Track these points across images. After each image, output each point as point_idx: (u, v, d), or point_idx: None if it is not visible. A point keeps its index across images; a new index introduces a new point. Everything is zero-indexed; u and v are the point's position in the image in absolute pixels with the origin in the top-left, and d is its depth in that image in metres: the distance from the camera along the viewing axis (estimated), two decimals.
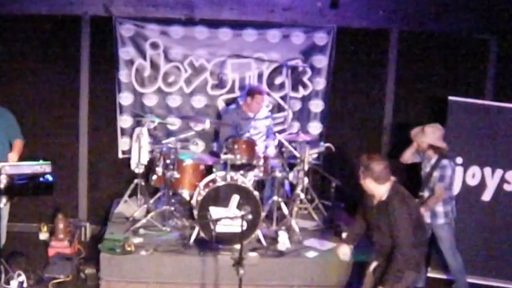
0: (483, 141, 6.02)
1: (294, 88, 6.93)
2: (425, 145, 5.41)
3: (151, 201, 6.27)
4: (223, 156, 5.73)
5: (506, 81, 6.90)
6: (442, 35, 6.95)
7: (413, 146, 5.54)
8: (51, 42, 6.68)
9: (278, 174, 6.01)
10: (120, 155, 6.94)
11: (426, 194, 5.42)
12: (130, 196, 6.47)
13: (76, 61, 6.75)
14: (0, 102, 5.76)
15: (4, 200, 5.03)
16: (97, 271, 5.45)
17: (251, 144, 5.86)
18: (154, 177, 6.04)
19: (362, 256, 4.94)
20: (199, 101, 6.96)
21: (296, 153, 6.25)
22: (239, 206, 5.41)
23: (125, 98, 6.87)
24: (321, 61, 6.94)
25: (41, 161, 5.16)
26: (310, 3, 6.75)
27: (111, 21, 6.65)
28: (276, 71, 6.94)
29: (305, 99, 7.04)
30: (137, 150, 6.28)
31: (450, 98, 6.13)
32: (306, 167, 6.14)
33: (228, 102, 6.91)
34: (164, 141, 6.11)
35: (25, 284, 5.19)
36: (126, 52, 6.76)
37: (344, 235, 5.71)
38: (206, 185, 5.74)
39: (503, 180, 5.98)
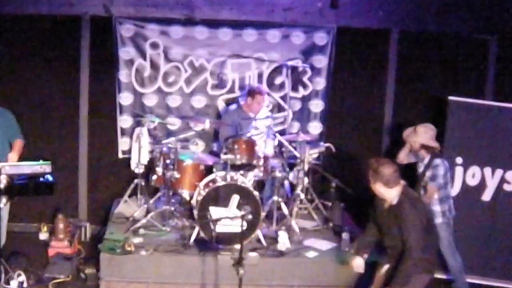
0: (483, 141, 6.01)
1: (294, 88, 6.93)
2: (417, 145, 5.42)
3: (151, 201, 6.27)
4: (223, 156, 5.73)
5: (506, 81, 6.90)
6: (442, 35, 6.95)
7: (407, 147, 5.55)
8: (51, 42, 6.68)
9: (278, 174, 6.01)
10: (120, 155, 6.95)
11: (421, 193, 5.43)
12: (130, 196, 6.47)
13: (76, 61, 6.75)
14: (0, 102, 5.76)
15: (4, 200, 5.04)
16: (97, 271, 5.45)
17: (251, 144, 5.86)
18: (154, 177, 6.04)
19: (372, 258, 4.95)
20: (199, 101, 6.96)
21: (296, 153, 6.26)
22: (239, 206, 5.41)
23: (125, 98, 6.87)
24: (321, 61, 6.94)
25: (41, 161, 5.16)
26: (310, 3, 6.75)
27: (111, 21, 6.65)
28: (276, 71, 6.94)
29: (305, 99, 7.04)
30: (137, 150, 6.28)
31: (450, 98, 6.13)
32: (306, 167, 6.14)
33: (228, 102, 6.92)
34: (164, 141, 6.11)
35: (25, 284, 5.19)
36: (126, 52, 6.76)
37: (344, 235, 5.73)
38: (206, 185, 5.74)
39: (503, 180, 5.98)
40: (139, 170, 6.28)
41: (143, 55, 6.80)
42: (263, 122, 6.52)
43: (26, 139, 5.73)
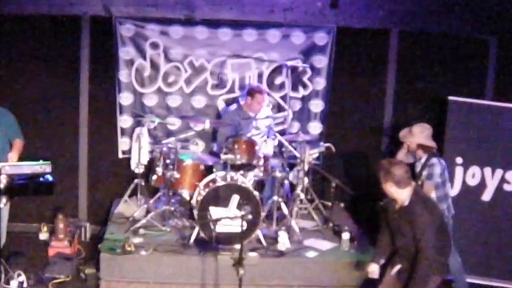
0: (483, 141, 6.01)
1: (294, 88, 6.92)
2: (414, 145, 5.42)
3: (151, 201, 6.27)
4: (223, 156, 5.73)
5: (506, 81, 6.90)
6: (442, 35, 6.95)
7: (404, 147, 5.55)
8: (51, 42, 6.68)
9: (278, 174, 6.01)
10: (120, 155, 6.94)
11: None
12: (130, 196, 6.46)
13: (76, 61, 6.75)
14: (0, 102, 5.76)
15: (4, 200, 5.03)
16: (97, 271, 5.45)
17: (251, 144, 5.86)
18: (154, 177, 6.04)
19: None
20: (199, 101, 6.96)
21: (296, 153, 6.25)
22: (239, 206, 5.41)
23: (125, 98, 6.87)
24: (321, 61, 6.94)
25: (41, 161, 5.16)
26: (310, 3, 6.75)
27: (111, 21, 6.64)
28: (276, 71, 6.94)
29: (305, 99, 7.04)
30: (137, 150, 6.28)
31: (450, 98, 6.14)
32: (306, 167, 6.14)
33: (228, 102, 6.91)
34: (164, 141, 6.11)
35: (25, 284, 5.20)
36: (126, 52, 6.76)
37: (344, 235, 5.73)
38: (206, 185, 5.74)
39: (503, 180, 5.98)
40: (139, 170, 6.28)
41: (143, 55, 6.80)
42: (263, 122, 6.52)
43: (26, 139, 5.72)
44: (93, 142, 6.92)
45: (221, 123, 6.47)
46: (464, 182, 6.04)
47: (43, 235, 6.48)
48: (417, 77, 7.07)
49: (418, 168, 5.46)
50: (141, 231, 5.81)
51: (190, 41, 6.81)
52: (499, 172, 5.99)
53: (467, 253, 5.76)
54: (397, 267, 4.62)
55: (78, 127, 6.85)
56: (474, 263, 5.91)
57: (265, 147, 6.35)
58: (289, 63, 6.72)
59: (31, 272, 5.41)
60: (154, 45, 6.79)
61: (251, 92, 6.42)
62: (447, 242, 4.57)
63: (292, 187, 6.43)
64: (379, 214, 5.29)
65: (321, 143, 6.64)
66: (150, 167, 6.26)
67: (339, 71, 6.98)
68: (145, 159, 6.29)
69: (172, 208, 5.99)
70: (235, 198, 5.48)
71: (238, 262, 4.41)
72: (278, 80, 6.98)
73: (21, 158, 5.45)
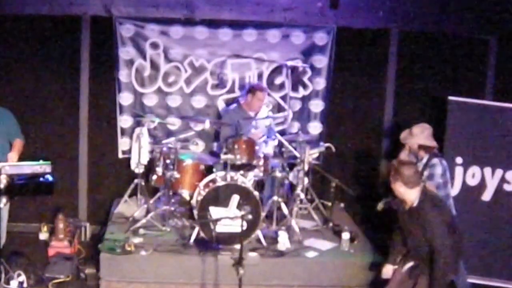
0: (483, 141, 6.01)
1: (294, 88, 6.92)
2: (415, 146, 5.42)
3: (151, 201, 6.27)
4: (223, 156, 5.73)
5: (506, 81, 6.90)
6: (442, 35, 6.95)
7: (406, 149, 5.54)
8: (51, 42, 6.68)
9: (278, 174, 6.01)
10: (120, 155, 6.94)
11: None
12: (130, 196, 6.46)
13: (76, 61, 6.75)
14: (0, 102, 5.76)
15: (4, 200, 5.03)
16: (97, 271, 5.45)
17: (251, 144, 5.86)
18: (154, 177, 6.04)
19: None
20: (199, 101, 6.96)
21: (296, 153, 6.25)
22: (239, 206, 5.41)
23: (125, 98, 6.87)
24: (321, 61, 6.94)
25: (41, 161, 5.15)
26: (310, 3, 6.75)
27: (111, 21, 6.64)
28: (276, 71, 6.94)
29: (305, 99, 7.04)
30: (137, 150, 6.28)
31: (450, 98, 6.13)
32: (306, 167, 6.13)
33: (228, 102, 6.91)
34: (164, 141, 6.11)
35: (25, 284, 5.19)
36: (126, 52, 6.76)
37: (344, 235, 5.73)
38: (206, 185, 5.74)
39: (503, 180, 5.98)
40: (139, 170, 6.27)
41: (143, 55, 6.80)
42: (263, 122, 6.52)
43: (26, 139, 5.72)
44: (93, 142, 6.92)
45: (221, 123, 6.47)
46: (464, 182, 6.04)
47: (43, 235, 6.48)
48: (417, 77, 7.07)
49: (419, 168, 5.45)
50: (141, 231, 5.81)
51: (190, 41, 6.81)
52: (499, 172, 5.99)
53: (467, 253, 5.74)
54: (409, 264, 4.64)
55: (78, 127, 6.85)
56: (474, 263, 5.90)
57: (267, 148, 6.36)
58: (289, 63, 6.71)
59: (31, 272, 5.39)
60: (154, 45, 6.79)
61: (252, 89, 6.42)
62: (457, 239, 4.58)
63: (292, 187, 6.43)
64: (378, 215, 5.31)
65: (321, 143, 6.64)
66: (150, 167, 6.26)
67: (339, 71, 6.98)
68: (145, 159, 6.28)
69: (172, 208, 5.99)
70: (235, 198, 5.48)
71: (238, 262, 4.41)
72: (278, 80, 6.98)
73: (21, 158, 5.45)
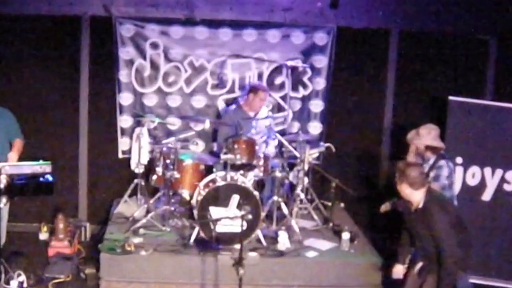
0: (483, 141, 6.01)
1: (294, 88, 6.92)
2: (422, 147, 5.40)
3: (151, 201, 6.27)
4: (223, 156, 5.73)
5: (506, 81, 6.90)
6: (442, 35, 6.95)
7: (412, 150, 5.52)
8: (51, 42, 6.68)
9: (278, 174, 6.01)
10: (120, 155, 6.94)
11: None
12: (130, 196, 6.46)
13: (76, 61, 6.75)
14: (0, 102, 5.76)
15: (4, 200, 5.03)
16: (97, 271, 5.45)
17: (251, 144, 5.86)
18: (154, 177, 6.04)
19: None
20: (199, 101, 6.96)
21: (296, 153, 6.25)
22: (239, 206, 5.41)
23: (125, 98, 6.87)
24: (321, 61, 6.94)
25: (41, 161, 5.16)
26: (310, 3, 6.75)
27: (111, 21, 6.64)
28: (276, 71, 6.94)
29: (305, 99, 7.04)
30: (137, 150, 6.28)
31: (450, 98, 6.13)
32: (306, 167, 6.13)
33: (228, 102, 6.91)
34: (164, 141, 6.11)
35: (25, 284, 5.19)
36: (126, 52, 6.76)
37: (344, 235, 5.73)
38: (206, 185, 5.74)
39: (503, 180, 5.98)
40: (139, 170, 6.27)
41: (143, 55, 6.80)
42: (263, 122, 6.52)
43: (26, 139, 5.72)
44: (93, 142, 6.92)
45: (221, 123, 6.47)
46: (464, 182, 6.03)
47: (43, 235, 6.48)
48: (417, 77, 7.07)
49: (425, 169, 5.44)
50: (141, 231, 5.81)
51: (190, 41, 6.81)
52: (499, 172, 5.98)
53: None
54: (419, 265, 4.66)
55: (78, 127, 6.86)
56: (474, 263, 5.90)
57: (267, 148, 6.36)
58: (289, 63, 6.71)
59: (31, 272, 5.41)
60: (154, 45, 6.79)
61: (254, 89, 6.42)
62: (466, 236, 4.59)
63: (292, 187, 6.42)
64: (380, 215, 5.31)
65: (321, 143, 6.64)
66: (150, 167, 6.26)
67: (339, 71, 6.99)
68: (145, 159, 6.28)
69: (172, 208, 5.99)
70: (235, 198, 5.48)
71: (238, 262, 4.41)
72: (278, 80, 6.98)
73: (21, 158, 5.45)
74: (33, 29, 6.62)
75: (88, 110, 6.85)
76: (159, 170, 5.96)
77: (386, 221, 6.25)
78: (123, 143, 6.93)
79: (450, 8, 6.77)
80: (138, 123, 6.52)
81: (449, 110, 6.09)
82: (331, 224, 6.23)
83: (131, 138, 6.75)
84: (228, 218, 5.08)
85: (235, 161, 5.71)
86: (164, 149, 5.98)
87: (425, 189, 4.47)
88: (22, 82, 6.70)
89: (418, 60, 7.03)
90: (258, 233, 5.62)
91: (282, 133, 6.68)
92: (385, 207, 5.50)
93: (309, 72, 6.95)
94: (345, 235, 5.72)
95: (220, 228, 5.14)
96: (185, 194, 5.98)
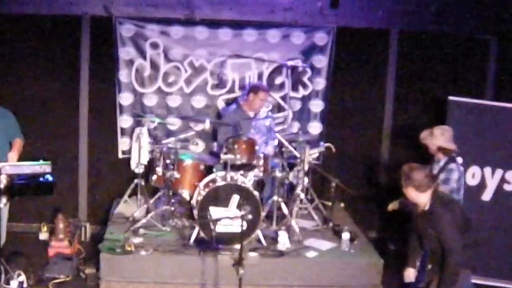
0: (483, 141, 6.01)
1: (294, 88, 6.93)
2: (434, 147, 5.39)
3: (151, 201, 6.27)
4: (223, 156, 5.72)
5: (506, 81, 6.89)
6: (442, 35, 6.94)
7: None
8: (51, 42, 6.68)
9: (278, 174, 6.01)
10: (120, 155, 6.94)
11: None
12: (130, 196, 6.46)
13: (76, 61, 6.75)
14: (0, 102, 5.76)
15: (4, 200, 5.03)
16: (97, 271, 5.45)
17: (251, 144, 5.85)
18: (154, 177, 6.04)
19: None
20: (199, 101, 6.96)
21: (296, 153, 6.25)
22: (239, 206, 5.41)
23: (125, 98, 6.87)
24: (321, 61, 6.94)
25: (41, 161, 5.16)
26: (310, 3, 6.74)
27: (111, 21, 6.64)
28: (276, 71, 6.94)
29: (305, 99, 7.04)
30: (137, 150, 6.28)
31: (450, 98, 6.14)
32: (306, 167, 6.13)
33: (228, 102, 6.91)
34: (164, 141, 6.12)
35: (25, 284, 5.19)
36: (126, 52, 6.76)
37: (344, 235, 5.73)
38: (206, 185, 5.74)
39: (503, 180, 5.98)
40: (139, 170, 6.27)
41: (143, 55, 6.80)
42: (263, 122, 6.51)
43: (26, 139, 5.72)
44: (93, 142, 6.92)
45: (221, 123, 6.47)
46: (464, 182, 6.03)
47: (43, 235, 6.48)
48: (417, 77, 7.07)
49: (435, 170, 5.42)
50: (141, 231, 5.81)
51: (190, 41, 6.81)
52: (499, 172, 5.99)
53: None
54: (428, 267, 4.64)
55: (78, 127, 6.85)
56: (474, 263, 5.89)
57: (267, 148, 6.35)
58: (289, 63, 6.71)
59: (31, 272, 5.40)
60: (154, 45, 6.79)
61: (255, 89, 6.41)
62: (472, 237, 4.60)
63: (292, 187, 6.42)
64: (380, 216, 5.30)
65: (321, 143, 6.63)
66: (150, 167, 6.26)
67: (339, 71, 6.98)
68: (145, 159, 6.28)
69: (172, 208, 5.99)
70: (235, 198, 5.48)
71: (238, 262, 4.41)
72: (278, 80, 6.97)
73: (21, 158, 5.45)
74: (33, 29, 6.62)
75: (88, 110, 6.85)
76: (159, 170, 5.96)
77: (386, 221, 6.27)
78: (123, 143, 6.93)
79: (450, 8, 6.77)
80: (138, 123, 6.52)
81: (449, 110, 6.09)
82: (331, 224, 6.22)
83: (131, 138, 6.75)
84: (228, 218, 5.09)
85: (235, 161, 5.70)
86: (164, 149, 5.98)
87: (431, 191, 4.46)
88: (22, 82, 6.70)
89: (418, 60, 7.02)
90: (258, 233, 5.62)
91: (282, 133, 6.67)
92: (393, 205, 5.48)
93: (309, 72, 6.95)
94: (345, 235, 5.72)
95: (220, 228, 5.14)
96: (185, 194, 5.98)
